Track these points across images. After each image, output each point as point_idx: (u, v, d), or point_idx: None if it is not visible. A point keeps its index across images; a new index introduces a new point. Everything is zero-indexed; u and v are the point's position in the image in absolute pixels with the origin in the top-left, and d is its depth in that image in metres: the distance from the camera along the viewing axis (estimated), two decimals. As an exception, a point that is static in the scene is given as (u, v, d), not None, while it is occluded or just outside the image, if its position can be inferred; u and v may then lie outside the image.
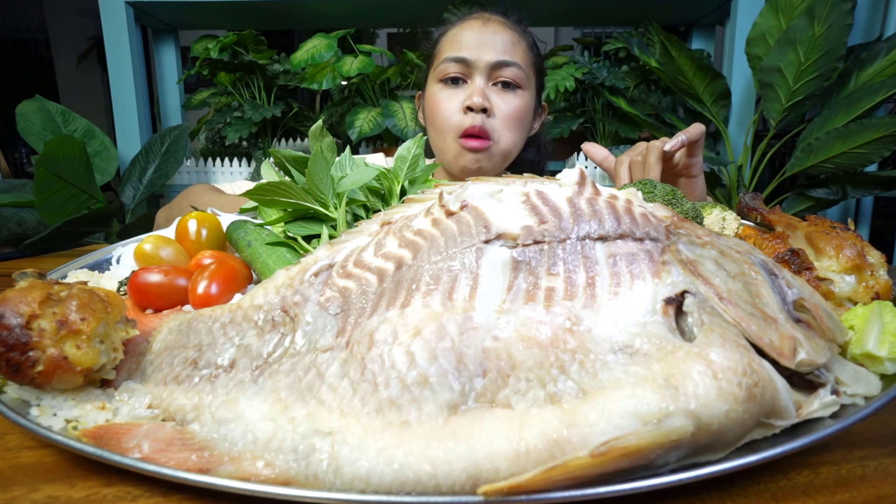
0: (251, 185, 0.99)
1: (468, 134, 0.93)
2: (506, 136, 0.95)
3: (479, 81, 0.94)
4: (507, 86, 0.95)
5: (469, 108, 0.92)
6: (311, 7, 1.96)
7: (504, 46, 0.94)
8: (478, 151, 0.94)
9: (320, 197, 0.57)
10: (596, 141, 1.95)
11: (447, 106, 0.95)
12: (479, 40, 0.94)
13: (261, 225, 0.59)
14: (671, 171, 0.83)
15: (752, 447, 0.30)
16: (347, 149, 0.63)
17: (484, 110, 0.92)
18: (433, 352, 0.33)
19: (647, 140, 0.82)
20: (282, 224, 0.59)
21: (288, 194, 0.56)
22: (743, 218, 0.63)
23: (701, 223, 0.57)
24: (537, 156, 1.19)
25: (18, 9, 5.09)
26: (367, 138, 2.02)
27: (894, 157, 1.98)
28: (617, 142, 1.95)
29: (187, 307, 0.50)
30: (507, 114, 0.95)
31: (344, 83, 2.05)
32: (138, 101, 1.96)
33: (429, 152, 1.05)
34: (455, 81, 0.96)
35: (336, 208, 0.58)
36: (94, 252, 0.68)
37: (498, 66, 0.94)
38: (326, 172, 0.57)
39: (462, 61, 0.94)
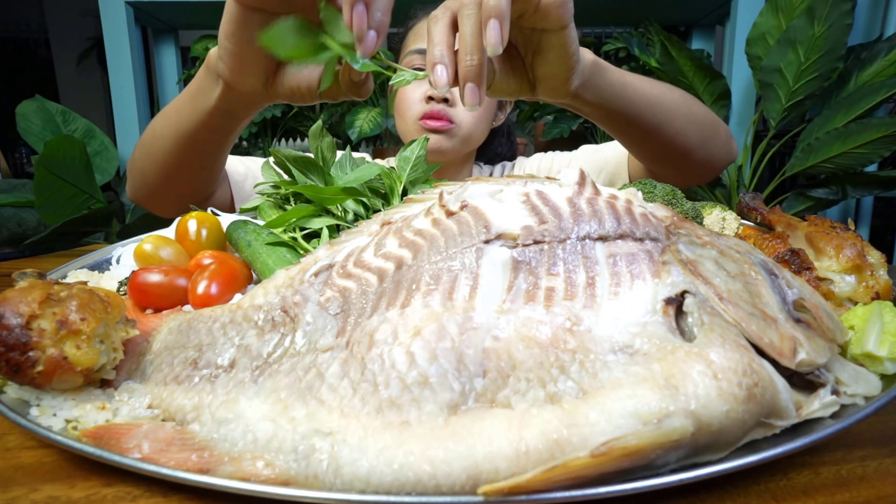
0: (259, 161, 1.00)
1: (428, 116, 0.97)
2: (467, 121, 0.98)
3: None
4: None
5: (430, 98, 0.96)
6: (311, 7, 1.95)
7: None
8: (438, 132, 0.97)
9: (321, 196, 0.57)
10: (595, 141, 1.95)
11: (411, 95, 0.99)
12: None
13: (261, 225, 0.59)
14: (527, 18, 0.54)
15: (752, 447, 0.30)
16: (348, 148, 0.63)
17: (445, 100, 0.96)
18: (433, 352, 0.33)
19: None
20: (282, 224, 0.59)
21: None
22: (743, 218, 0.63)
23: (701, 223, 0.57)
24: (510, 150, 1.23)
25: (18, 9, 5.08)
26: (367, 138, 2.02)
27: (894, 157, 1.98)
28: (617, 141, 1.94)
29: (187, 307, 0.50)
30: None
31: (344, 83, 2.05)
32: (138, 101, 1.97)
33: (396, 140, 1.07)
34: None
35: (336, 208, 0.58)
36: (94, 252, 0.68)
37: None
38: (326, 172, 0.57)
39: (425, 52, 0.97)
